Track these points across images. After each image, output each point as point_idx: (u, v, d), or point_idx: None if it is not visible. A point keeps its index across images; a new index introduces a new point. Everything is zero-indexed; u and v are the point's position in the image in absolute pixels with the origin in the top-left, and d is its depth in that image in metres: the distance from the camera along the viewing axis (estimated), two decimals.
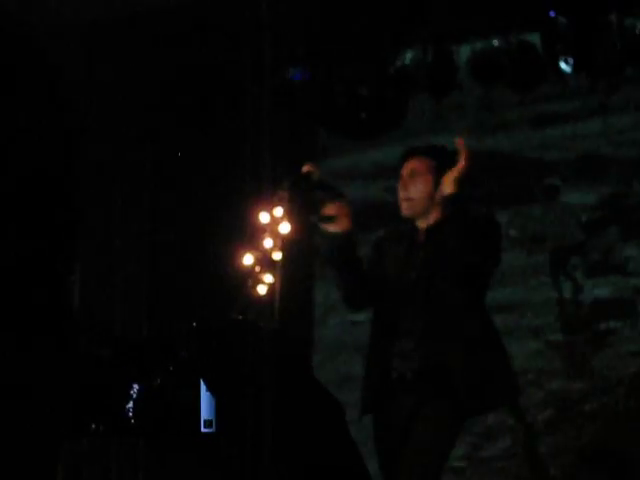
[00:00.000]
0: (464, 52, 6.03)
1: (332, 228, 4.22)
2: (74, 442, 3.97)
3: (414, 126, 6.33)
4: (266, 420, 2.42)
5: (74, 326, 1.77)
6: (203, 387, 2.51)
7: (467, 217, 4.13)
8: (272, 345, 2.48)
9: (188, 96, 6.08)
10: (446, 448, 3.96)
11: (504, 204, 6.67)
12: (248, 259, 4.39)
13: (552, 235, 6.82)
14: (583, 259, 6.70)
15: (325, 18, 5.84)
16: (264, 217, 4.40)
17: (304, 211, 4.35)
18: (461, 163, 4.03)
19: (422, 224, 4.23)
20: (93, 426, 2.59)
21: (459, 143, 4.09)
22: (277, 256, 4.39)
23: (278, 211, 4.38)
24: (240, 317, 3.90)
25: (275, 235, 4.38)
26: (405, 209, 4.28)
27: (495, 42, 6.01)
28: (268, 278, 4.41)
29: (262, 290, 4.38)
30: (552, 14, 5.88)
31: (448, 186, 4.09)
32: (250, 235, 4.45)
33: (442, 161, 4.18)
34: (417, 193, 4.21)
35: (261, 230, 4.41)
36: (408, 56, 6.05)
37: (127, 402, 2.55)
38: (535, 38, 5.99)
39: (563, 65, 5.93)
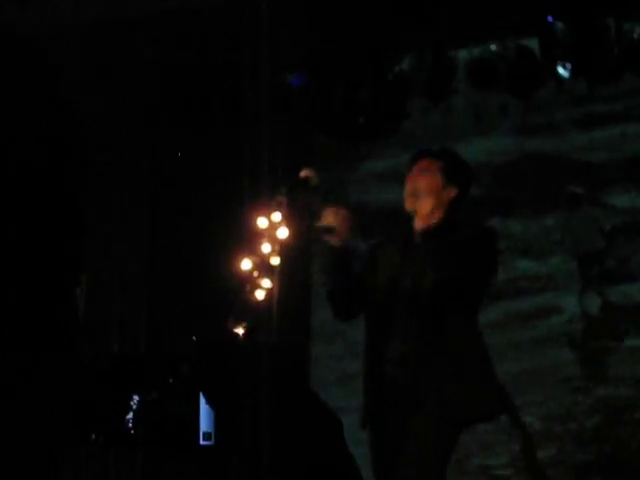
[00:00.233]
0: (462, 57, 6.05)
1: (330, 240, 4.22)
2: (75, 452, 4.00)
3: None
4: (264, 433, 2.44)
5: (79, 338, 1.79)
6: (202, 400, 2.53)
7: (464, 229, 4.13)
8: (270, 359, 2.51)
9: (187, 101, 6.10)
10: (440, 460, 3.96)
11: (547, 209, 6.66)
12: (246, 264, 4.39)
13: (577, 242, 6.79)
14: (612, 266, 6.68)
15: (323, 23, 5.86)
16: (262, 222, 4.40)
17: (302, 216, 4.36)
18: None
19: (421, 223, 4.22)
20: (93, 436, 2.61)
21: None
22: (275, 261, 4.39)
23: (276, 216, 4.37)
24: (237, 323, 3.91)
25: (273, 240, 4.38)
26: (409, 203, 4.28)
27: (493, 47, 6.03)
28: (266, 283, 4.41)
29: (260, 295, 4.38)
30: (550, 19, 5.89)
31: (452, 190, 4.10)
32: (248, 240, 4.45)
33: (453, 165, 4.19)
34: (424, 188, 4.21)
35: (259, 235, 4.41)
36: (406, 61, 6.07)
37: (127, 413, 2.58)
38: (533, 43, 6.01)
39: (561, 70, 5.95)
